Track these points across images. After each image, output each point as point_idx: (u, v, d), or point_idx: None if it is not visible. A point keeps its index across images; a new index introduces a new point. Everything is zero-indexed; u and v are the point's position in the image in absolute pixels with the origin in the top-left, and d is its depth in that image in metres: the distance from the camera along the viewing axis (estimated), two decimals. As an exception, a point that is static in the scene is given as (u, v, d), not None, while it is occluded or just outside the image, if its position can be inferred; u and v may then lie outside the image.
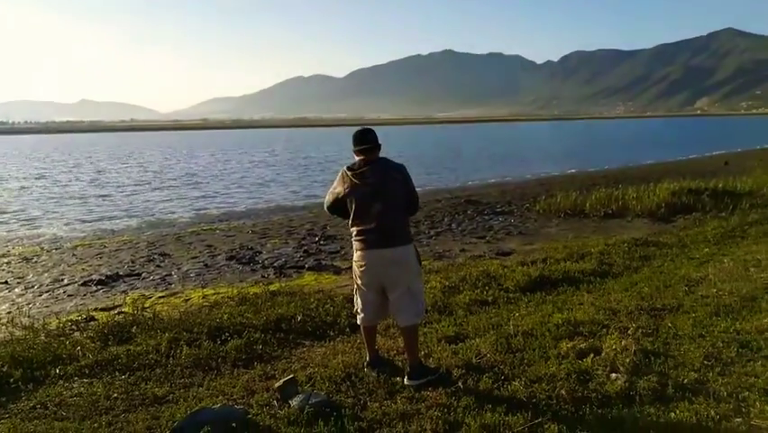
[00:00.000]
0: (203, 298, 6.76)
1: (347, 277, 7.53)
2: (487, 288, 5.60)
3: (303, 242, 10.45)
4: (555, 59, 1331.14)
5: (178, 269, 8.61)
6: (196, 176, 28.12)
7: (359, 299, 3.81)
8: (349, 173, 3.61)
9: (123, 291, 7.43)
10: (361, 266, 3.63)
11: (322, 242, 10.34)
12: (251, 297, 6.29)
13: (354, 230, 3.65)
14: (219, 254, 9.59)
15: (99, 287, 7.66)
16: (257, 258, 9.13)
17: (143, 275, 8.33)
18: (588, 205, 12.32)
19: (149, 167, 34.69)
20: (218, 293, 6.92)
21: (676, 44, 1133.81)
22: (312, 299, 5.79)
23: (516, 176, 24.38)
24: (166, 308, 6.44)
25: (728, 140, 53.17)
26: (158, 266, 8.88)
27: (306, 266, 8.31)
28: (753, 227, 8.15)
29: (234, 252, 9.73)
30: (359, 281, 3.71)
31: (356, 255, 3.67)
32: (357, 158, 3.64)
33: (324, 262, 8.55)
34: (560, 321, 4.11)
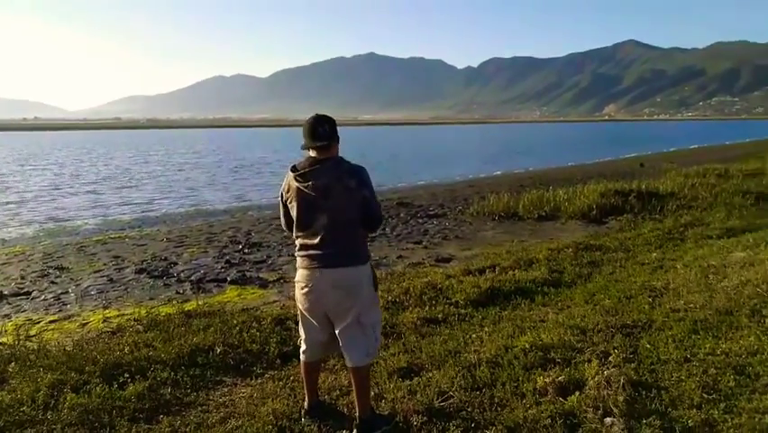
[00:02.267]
0: (104, 321, 5.75)
1: (275, 291, 6.75)
2: (434, 303, 5.03)
3: (225, 250, 9.49)
4: (475, 65, 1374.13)
5: (77, 285, 7.45)
6: (111, 179, 25.92)
7: (301, 329, 3.13)
8: (291, 174, 2.90)
9: (6, 316, 6.24)
10: (303, 288, 2.94)
11: (246, 250, 9.44)
12: (161, 319, 5.37)
13: (297, 244, 2.97)
14: (127, 267, 8.47)
15: (-26, 311, 6.42)
16: (171, 270, 8.11)
17: (33, 294, 7.12)
18: (521, 207, 12.17)
19: (57, 169, 31.70)
20: (123, 315, 5.92)
21: (585, 54, 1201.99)
22: (235, 321, 4.97)
23: (443, 178, 24.27)
24: (57, 335, 5.39)
25: (637, 143, 56.41)
26: (52, 282, 7.66)
27: (229, 279, 7.41)
28: (689, 230, 8.13)
29: (145, 263, 8.64)
30: (300, 306, 3.02)
31: (298, 275, 2.99)
32: (308, 155, 2.92)
33: (248, 274, 7.69)
34: (526, 345, 3.59)
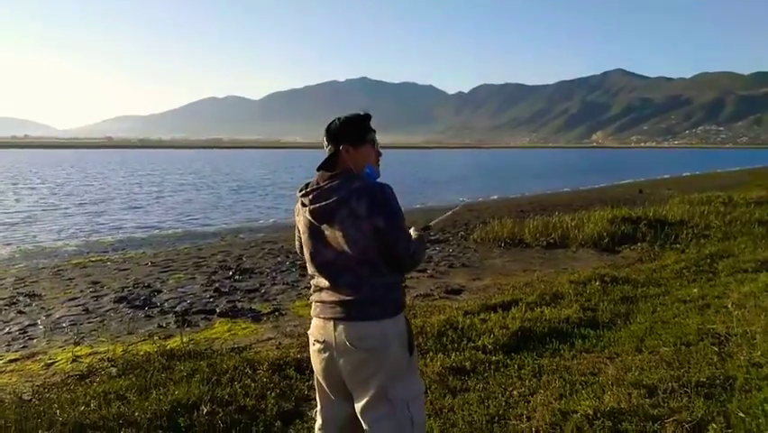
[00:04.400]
0: (73, 360, 4.99)
1: (269, 326, 6.03)
2: (457, 346, 4.34)
3: (214, 277, 8.74)
4: (466, 91, 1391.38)
5: (47, 316, 6.67)
6: (98, 198, 25.03)
7: (317, 396, 2.37)
8: (298, 194, 2.23)
9: (-39, 352, 5.47)
10: (314, 344, 2.24)
11: (237, 276, 8.70)
12: (139, 360, 4.63)
13: (311, 282, 2.28)
14: (106, 294, 7.70)
15: (-75, 346, 5.63)
16: (154, 299, 7.35)
17: (-3, 326, 6.34)
18: (527, 233, 11.58)
19: (45, 189, 30.68)
20: (96, 353, 5.17)
21: (574, 81, 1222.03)
22: (225, 366, 4.25)
23: (440, 201, 23.69)
24: (15, 379, 4.64)
25: (630, 170, 56.45)
26: (20, 312, 6.87)
27: (218, 310, 6.67)
28: (717, 262, 7.54)
29: (126, 290, 7.87)
30: (314, 367, 2.29)
31: (311, 325, 2.27)
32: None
33: (239, 305, 6.95)
34: (588, 411, 2.92)
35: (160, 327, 6.12)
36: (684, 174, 46.39)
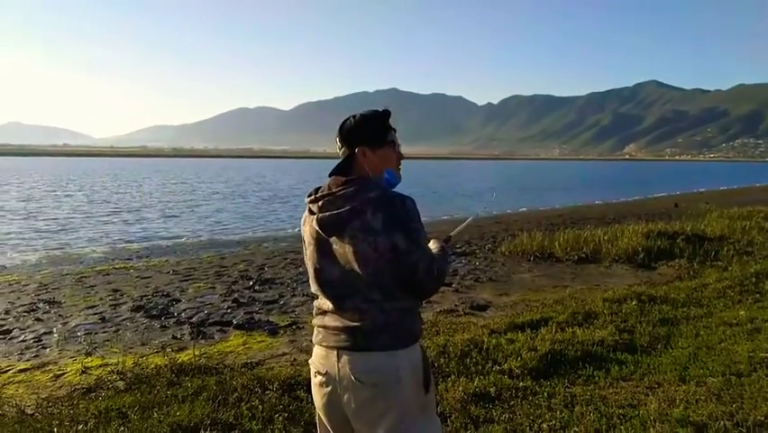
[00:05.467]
0: (82, 372, 4.84)
1: (285, 340, 5.80)
2: (481, 369, 4.02)
3: (234, 287, 8.58)
4: (495, 102, 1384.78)
5: (64, 324, 6.57)
6: (131, 206, 25.40)
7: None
8: (306, 200, 1.96)
9: (-26, 360, 5.38)
10: (315, 376, 1.94)
11: (257, 287, 8.52)
12: (148, 374, 4.45)
13: (314, 303, 1.99)
14: (124, 303, 7.60)
15: (-60, 353, 5.56)
16: (172, 309, 7.21)
17: (14, 333, 6.25)
18: (557, 247, 11.14)
19: (81, 195, 31.34)
20: (106, 364, 5.01)
21: (605, 93, 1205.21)
22: (234, 383, 4.02)
23: (467, 213, 23.24)
24: (22, 390, 4.50)
25: (664, 183, 55.00)
26: (38, 319, 6.80)
27: (234, 322, 6.47)
28: (764, 281, 7.04)
29: (145, 299, 7.77)
30: (315, 402, 2.00)
31: (313, 354, 1.99)
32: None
33: (257, 317, 6.75)
34: (630, 452, 2.59)
35: (174, 338, 5.94)
36: (721, 188, 44.88)
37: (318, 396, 1.94)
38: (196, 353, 5.17)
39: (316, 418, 2.04)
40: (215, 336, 6.00)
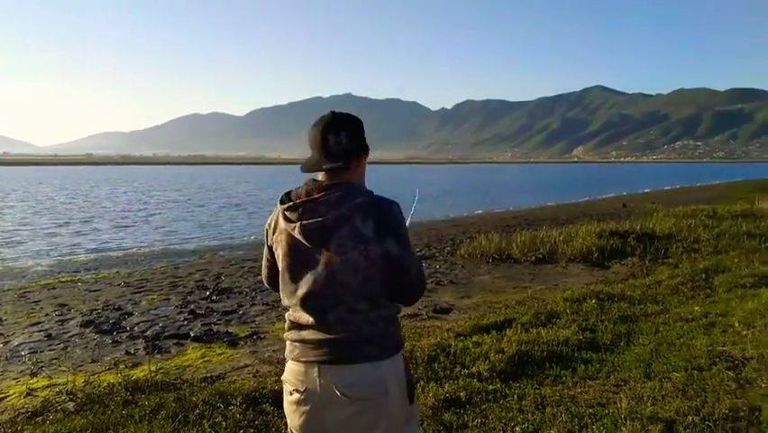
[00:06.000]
0: (26, 394, 4.53)
1: (246, 351, 5.62)
2: (450, 373, 3.98)
3: (189, 297, 8.29)
4: (449, 107, 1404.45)
5: (5, 343, 6.17)
6: (77, 216, 24.30)
7: None
8: (282, 207, 1.81)
9: None
10: (292, 394, 1.80)
11: (214, 297, 8.26)
12: (101, 393, 4.21)
13: (286, 318, 1.87)
14: (72, 318, 7.22)
15: None
16: (124, 323, 6.89)
17: (-51, 355, 5.83)
18: (515, 248, 11.30)
19: (24, 206, 29.79)
20: (54, 384, 4.71)
21: (555, 98, 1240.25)
22: (194, 399, 3.84)
23: (424, 216, 23.33)
24: (-42, 418, 4.16)
25: (611, 184, 56.88)
26: (-24, 339, 6.37)
27: (192, 334, 6.23)
28: (713, 277, 7.30)
29: (95, 313, 7.40)
30: (289, 423, 1.85)
31: (286, 370, 1.85)
32: (310, 178, 1.83)
33: (215, 328, 6.52)
34: (604, 452, 2.58)
35: (127, 353, 5.67)
36: (665, 188, 46.75)
37: (295, 415, 1.80)
38: (152, 368, 4.94)
39: None
40: (172, 350, 5.75)
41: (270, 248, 1.87)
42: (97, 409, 3.82)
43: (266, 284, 2.01)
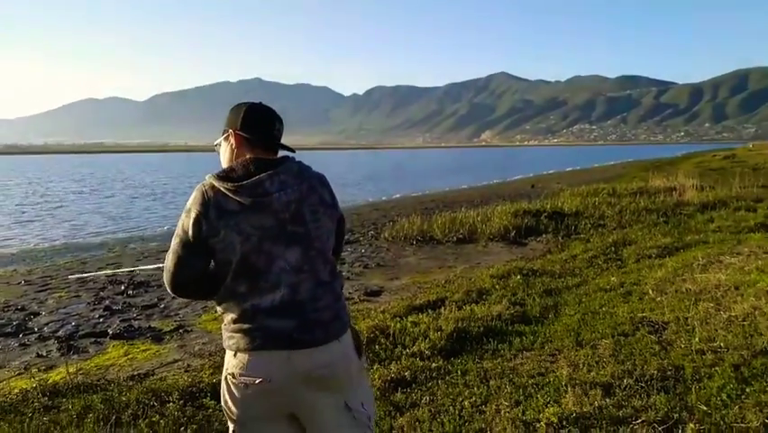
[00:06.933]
0: (-77, 409, 4.05)
1: (174, 345, 5.35)
2: (391, 354, 4.00)
3: (102, 293, 7.76)
4: (360, 93, 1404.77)
5: None
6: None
7: None
8: (225, 187, 1.69)
9: None
10: (249, 386, 1.69)
11: (130, 291, 7.79)
12: (14, 401, 3.84)
13: (233, 310, 1.73)
14: (-32, 322, 6.53)
15: None
16: (30, 324, 6.33)
17: None
18: (436, 229, 11.57)
19: None
20: (-45, 396, 4.24)
21: (462, 84, 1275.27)
22: (125, 398, 3.59)
23: (345, 201, 23.27)
24: None
25: (519, 167, 59.48)
26: None
27: (110, 332, 5.84)
28: (621, 249, 7.84)
29: (-5, 316, 6.74)
30: (239, 414, 1.75)
31: (233, 363, 1.72)
32: (241, 158, 1.78)
33: (136, 324, 6.15)
34: (553, 418, 2.69)
35: (39, 356, 5.22)
36: (567, 169, 49.56)
37: (257, 404, 1.72)
38: (71, 370, 4.56)
39: (237, 427, 1.80)
40: (90, 350, 5.36)
41: (195, 242, 1.71)
42: (14, 419, 3.47)
43: (172, 288, 1.80)
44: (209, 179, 1.72)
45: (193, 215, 1.69)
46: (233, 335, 1.71)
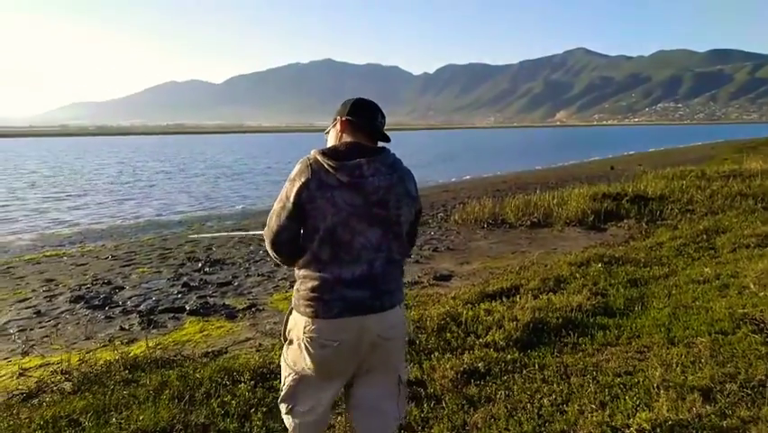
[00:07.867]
0: (19, 375, 4.32)
1: (246, 324, 5.43)
2: (463, 343, 3.84)
3: (181, 270, 8.05)
4: (431, 72, 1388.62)
5: (-8, 321, 5.92)
6: (55, 189, 23.59)
7: (300, 396, 2.04)
8: (328, 163, 1.89)
9: None
10: (325, 347, 1.92)
11: (207, 269, 8.03)
12: (98, 372, 4.01)
13: (313, 278, 1.93)
14: (61, 294, 6.95)
15: None
16: (116, 297, 6.65)
17: (-68, 336, 5.56)
18: (509, 213, 11.20)
19: (21, 178, 28.88)
20: (47, 364, 4.50)
21: (537, 60, 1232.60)
22: (198, 376, 3.66)
23: (429, 181, 23.04)
24: (-53, 402, 3.94)
25: (597, 147, 56.94)
26: (-40, 318, 6.09)
27: (188, 308, 6.02)
28: (714, 237, 7.23)
29: (84, 288, 7.14)
30: (311, 371, 1.98)
31: (307, 326, 1.93)
32: (341, 141, 2.02)
33: (211, 301, 6.32)
34: (645, 425, 2.45)
35: (122, 329, 5.45)
36: (650, 150, 46.94)
37: (325, 363, 1.95)
38: (150, 344, 4.74)
39: (296, 381, 2.04)
40: (168, 325, 5.55)
41: (294, 207, 1.91)
42: (97, 390, 3.62)
43: (271, 244, 2.02)
44: (314, 154, 1.93)
45: (297, 184, 1.89)
46: (311, 303, 1.92)
